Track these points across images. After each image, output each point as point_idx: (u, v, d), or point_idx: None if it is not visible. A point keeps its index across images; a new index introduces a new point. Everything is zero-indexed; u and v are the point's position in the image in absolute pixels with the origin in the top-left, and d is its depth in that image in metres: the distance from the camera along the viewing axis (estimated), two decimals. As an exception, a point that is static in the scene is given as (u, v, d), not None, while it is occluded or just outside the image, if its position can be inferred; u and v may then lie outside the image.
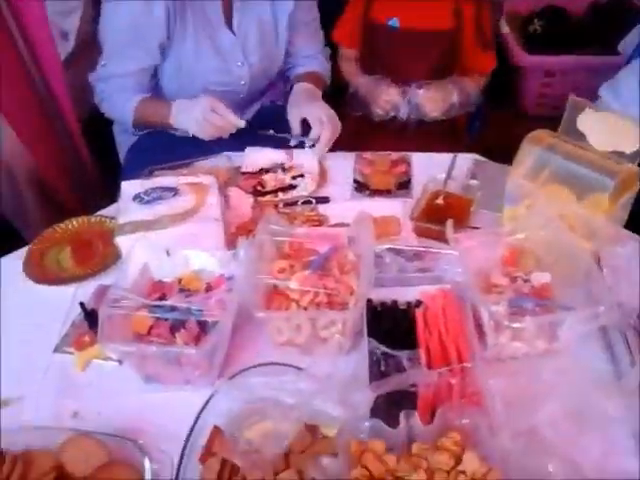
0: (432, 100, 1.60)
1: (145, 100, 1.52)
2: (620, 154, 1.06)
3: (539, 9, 2.50)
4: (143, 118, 1.53)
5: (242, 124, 1.42)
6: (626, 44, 2.17)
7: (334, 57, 1.80)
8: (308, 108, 1.47)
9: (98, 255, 1.23)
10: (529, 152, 1.10)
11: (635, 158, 1.05)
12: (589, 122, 1.10)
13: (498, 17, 2.54)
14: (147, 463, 0.81)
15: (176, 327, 0.97)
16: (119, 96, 1.52)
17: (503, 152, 1.23)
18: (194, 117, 1.41)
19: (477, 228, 1.18)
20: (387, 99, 1.62)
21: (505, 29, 2.43)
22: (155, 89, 1.58)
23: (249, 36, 1.56)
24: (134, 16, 1.41)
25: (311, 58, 1.71)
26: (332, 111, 1.49)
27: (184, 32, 1.47)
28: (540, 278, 1.04)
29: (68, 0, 1.65)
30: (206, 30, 1.50)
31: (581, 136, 1.10)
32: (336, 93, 1.76)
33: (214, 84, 1.55)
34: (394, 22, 1.66)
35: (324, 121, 1.43)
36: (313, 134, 1.44)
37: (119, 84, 1.50)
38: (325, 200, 1.34)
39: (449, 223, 1.07)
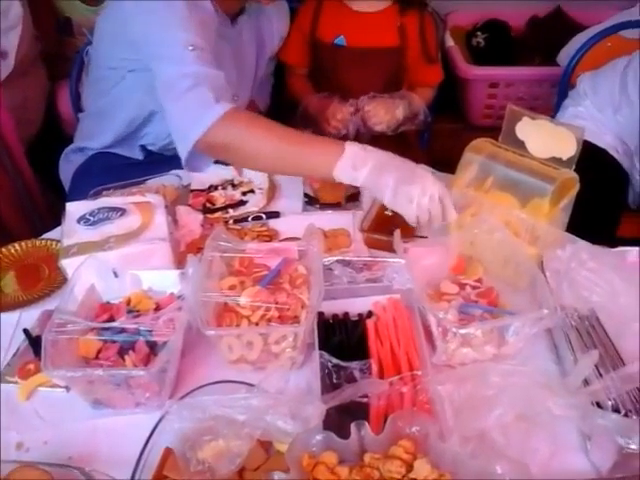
0: (376, 113, 1.61)
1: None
2: (558, 160, 1.10)
3: (482, 23, 2.58)
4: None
5: None
6: (563, 56, 2.26)
7: (282, 75, 1.81)
8: None
9: (43, 279, 1.20)
10: (470, 161, 1.13)
11: (571, 163, 1.09)
12: (527, 130, 1.13)
13: (443, 31, 2.61)
14: (95, 491, 0.79)
15: (125, 349, 0.95)
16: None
17: (452, 163, 1.26)
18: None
19: (425, 237, 1.20)
20: (339, 117, 1.62)
21: (450, 43, 2.49)
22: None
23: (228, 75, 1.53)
24: None
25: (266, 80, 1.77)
26: None
27: None
28: (487, 284, 1.07)
29: (6, 17, 1.60)
30: (219, 60, 1.41)
31: (521, 144, 1.14)
32: (287, 110, 1.77)
33: None
34: (340, 40, 1.69)
35: None
36: None
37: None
38: (275, 215, 1.34)
39: (397, 233, 1.08)
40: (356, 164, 1.11)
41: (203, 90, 1.17)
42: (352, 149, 1.13)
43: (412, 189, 1.08)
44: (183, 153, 1.21)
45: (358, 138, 1.65)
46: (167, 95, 1.21)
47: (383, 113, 1.62)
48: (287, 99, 1.82)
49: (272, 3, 1.54)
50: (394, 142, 1.74)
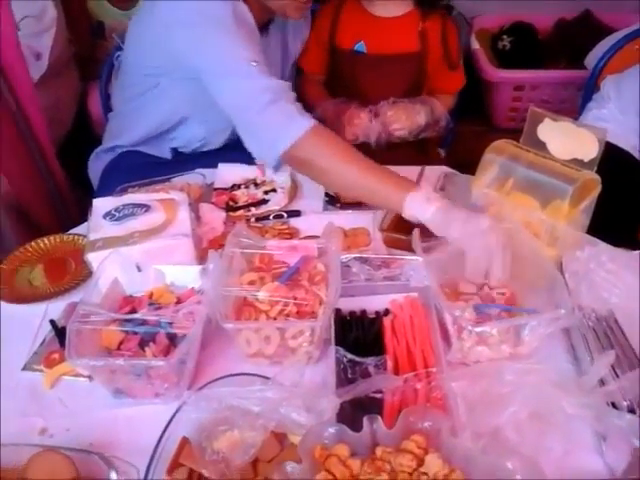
0: (398, 118, 1.58)
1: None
2: (579, 162, 1.10)
3: (508, 26, 2.57)
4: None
5: None
6: (591, 59, 2.23)
7: (299, 81, 1.79)
8: None
9: (70, 273, 1.24)
10: (491, 161, 1.13)
11: (593, 165, 1.08)
12: (549, 132, 1.13)
13: (468, 34, 2.61)
14: (113, 475, 0.81)
15: (146, 341, 0.98)
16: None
17: (474, 165, 1.26)
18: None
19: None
20: (357, 122, 1.57)
21: (475, 45, 2.49)
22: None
23: None
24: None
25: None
26: None
27: None
28: (506, 285, 1.07)
29: (41, 20, 1.66)
30: None
31: (542, 145, 1.13)
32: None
33: None
34: (360, 46, 1.66)
35: None
36: None
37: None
38: (296, 214, 1.36)
39: (415, 232, 1.09)
40: (429, 198, 1.10)
41: (284, 103, 1.23)
42: (425, 188, 1.14)
43: (481, 222, 1.05)
44: (272, 163, 1.27)
45: (377, 144, 1.63)
46: (249, 109, 1.24)
47: (405, 118, 1.59)
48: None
49: (302, 17, 1.52)
50: (414, 148, 1.75)
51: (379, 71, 1.67)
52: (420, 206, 1.10)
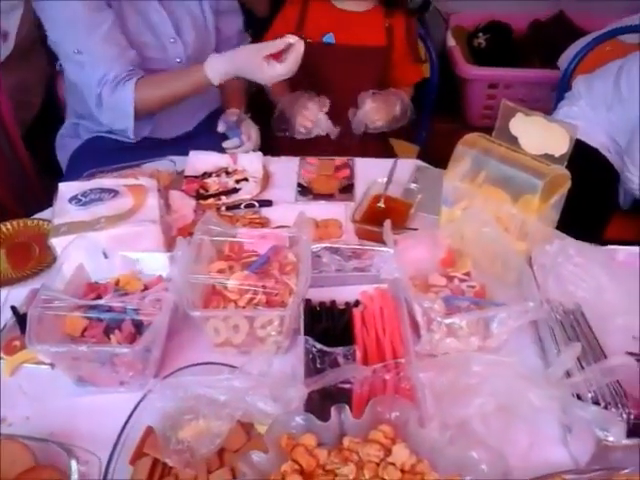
0: (378, 110, 1.59)
1: (147, 78, 1.44)
2: (550, 157, 1.11)
3: (484, 24, 2.59)
4: (153, 95, 1.44)
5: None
6: (563, 60, 2.27)
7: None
8: None
9: (34, 259, 1.21)
10: (464, 154, 1.13)
11: (563, 161, 1.09)
12: (521, 126, 1.13)
13: (444, 31, 2.62)
14: (74, 465, 0.79)
15: (111, 328, 0.96)
16: (122, 83, 1.42)
17: (448, 162, 1.26)
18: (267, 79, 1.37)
19: (415, 229, 1.20)
20: (306, 113, 1.56)
21: (451, 43, 2.50)
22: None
23: (177, 13, 1.53)
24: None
25: (233, 37, 1.71)
26: (255, 129, 1.54)
27: (119, 6, 1.44)
28: (475, 278, 1.08)
29: (7, -1, 1.61)
30: (136, 5, 1.47)
31: (514, 140, 1.14)
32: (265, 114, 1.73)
33: (150, 60, 1.51)
34: (329, 38, 1.67)
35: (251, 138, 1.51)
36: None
37: (107, 58, 1.40)
38: (268, 203, 1.34)
39: (387, 224, 1.08)
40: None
41: (115, 89, 1.44)
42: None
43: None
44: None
45: (352, 134, 1.64)
46: (89, 100, 1.49)
47: (384, 109, 1.61)
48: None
49: None
50: (380, 135, 1.74)
51: (347, 61, 1.68)
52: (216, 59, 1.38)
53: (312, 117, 1.55)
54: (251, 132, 1.52)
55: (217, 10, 1.62)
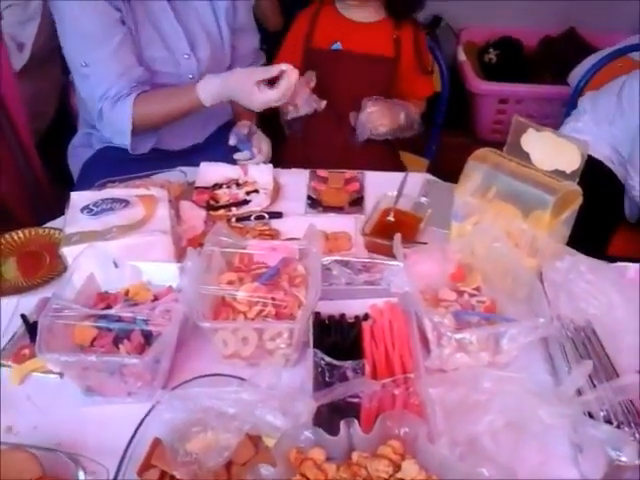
0: (382, 115, 1.61)
1: (146, 95, 1.46)
2: (561, 173, 1.10)
3: (495, 40, 2.60)
4: (151, 113, 1.46)
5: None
6: (574, 76, 2.27)
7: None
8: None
9: (44, 267, 1.21)
10: (475, 169, 1.13)
11: (575, 177, 1.09)
12: (532, 142, 1.13)
13: (455, 46, 2.63)
14: (81, 475, 0.79)
15: (120, 338, 0.96)
16: (122, 99, 1.45)
17: (458, 176, 1.26)
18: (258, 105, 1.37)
19: (425, 244, 1.20)
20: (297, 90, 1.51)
21: (462, 57, 2.51)
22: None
23: (193, 29, 1.55)
24: (89, 5, 1.38)
25: (248, 56, 1.73)
26: (266, 141, 1.54)
27: (133, 20, 1.45)
28: (485, 293, 1.07)
29: (25, 10, 1.63)
30: (150, 18, 1.48)
31: (525, 155, 1.14)
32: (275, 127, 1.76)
33: (162, 75, 1.53)
34: (337, 46, 1.70)
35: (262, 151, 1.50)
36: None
37: (110, 76, 1.42)
38: (278, 215, 1.34)
39: (397, 237, 1.08)
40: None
41: (115, 104, 1.47)
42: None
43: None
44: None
45: (353, 142, 1.67)
46: (92, 112, 1.51)
47: (388, 116, 1.62)
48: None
49: None
50: (381, 146, 1.76)
51: (354, 68, 1.70)
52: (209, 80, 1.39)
53: (300, 94, 1.55)
54: (262, 145, 1.53)
55: (234, 27, 1.64)
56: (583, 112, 1.72)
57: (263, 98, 1.35)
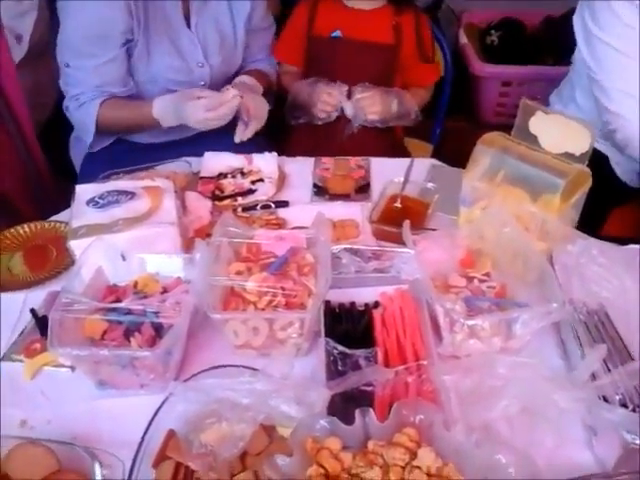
0: (373, 102, 1.60)
1: (112, 101, 1.49)
2: (570, 156, 1.09)
3: (496, 21, 2.57)
4: (113, 120, 1.50)
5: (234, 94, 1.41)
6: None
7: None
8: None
9: (51, 261, 1.21)
10: (483, 154, 1.12)
11: (584, 159, 1.08)
12: (540, 125, 1.12)
13: (457, 29, 2.61)
14: (97, 468, 0.79)
15: (131, 331, 0.95)
16: (88, 102, 1.49)
17: (463, 160, 1.25)
18: (194, 120, 1.41)
19: (434, 230, 1.19)
20: (326, 98, 1.61)
21: (463, 40, 2.49)
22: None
23: (208, 38, 1.56)
24: (97, 13, 1.39)
25: (260, 61, 1.74)
26: (262, 104, 1.53)
27: (146, 30, 1.46)
28: (495, 278, 1.06)
29: (21, 1, 1.61)
30: (166, 29, 1.49)
31: (533, 139, 1.13)
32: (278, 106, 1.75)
33: (174, 83, 1.53)
34: (337, 33, 1.69)
35: (250, 113, 1.48)
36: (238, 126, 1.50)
37: (87, 84, 1.47)
38: (284, 204, 1.34)
39: (406, 224, 1.07)
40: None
41: (82, 105, 1.52)
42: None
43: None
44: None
45: (347, 127, 1.65)
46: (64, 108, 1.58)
47: (379, 103, 1.61)
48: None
49: None
50: (386, 138, 1.76)
51: (354, 56, 1.69)
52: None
53: (334, 102, 1.61)
54: (250, 105, 1.50)
55: (249, 28, 1.64)
56: (552, 105, 1.71)
57: (199, 114, 1.40)
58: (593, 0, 1.42)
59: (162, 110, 1.45)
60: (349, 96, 1.62)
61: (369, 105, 1.61)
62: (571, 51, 2.33)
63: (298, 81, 1.71)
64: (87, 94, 1.48)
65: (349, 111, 1.60)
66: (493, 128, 1.17)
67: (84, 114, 1.49)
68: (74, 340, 0.93)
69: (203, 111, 1.39)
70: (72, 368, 0.98)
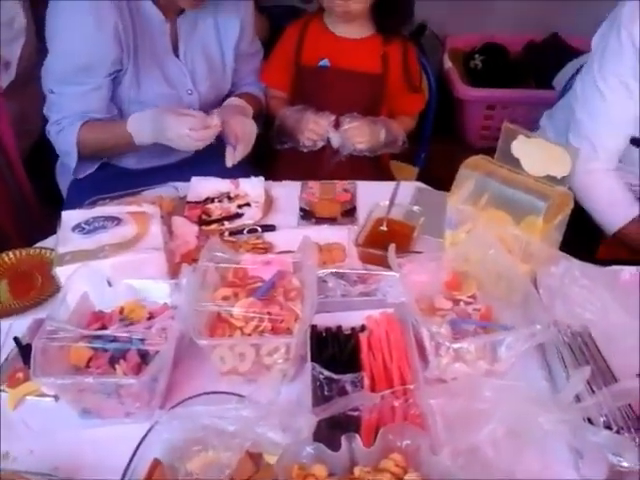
0: (361, 132, 1.60)
1: (91, 123, 1.49)
2: (552, 178, 1.11)
3: (480, 46, 2.62)
4: (93, 141, 1.50)
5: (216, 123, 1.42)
6: (559, 80, 2.29)
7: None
8: (229, 120, 1.49)
9: (36, 288, 1.20)
10: (466, 177, 1.14)
11: (565, 182, 1.10)
12: (522, 148, 1.14)
13: (441, 53, 2.66)
14: (80, 500, 0.78)
15: (116, 358, 0.95)
16: (67, 126, 1.49)
17: (448, 183, 1.26)
18: (175, 133, 1.40)
19: (420, 253, 1.20)
20: (312, 127, 1.60)
21: (448, 64, 2.53)
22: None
23: (196, 65, 1.57)
24: (86, 43, 1.40)
25: (250, 84, 1.76)
26: (250, 127, 1.54)
27: (135, 59, 1.47)
28: (481, 300, 1.07)
29: (11, 28, 1.62)
30: (154, 58, 1.50)
31: (516, 162, 1.14)
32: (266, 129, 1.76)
33: None
34: (325, 62, 1.70)
35: (238, 136, 1.49)
36: (227, 150, 1.50)
37: (70, 110, 1.48)
38: (271, 228, 1.34)
39: (391, 248, 1.08)
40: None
41: (62, 129, 1.52)
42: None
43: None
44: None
45: (335, 155, 1.65)
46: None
47: (368, 133, 1.61)
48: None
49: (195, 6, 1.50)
50: (372, 163, 1.76)
51: (341, 85, 1.70)
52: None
53: (321, 131, 1.60)
54: (237, 129, 1.50)
55: (237, 54, 1.66)
56: (543, 129, 1.73)
57: (182, 133, 1.39)
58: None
59: (137, 124, 1.44)
60: (337, 125, 1.62)
61: (357, 135, 1.60)
62: (551, 75, 2.40)
63: (286, 107, 1.71)
64: (68, 119, 1.48)
65: (335, 141, 1.60)
66: (478, 151, 1.19)
67: (65, 138, 1.49)
68: (58, 368, 0.92)
69: (187, 127, 1.38)
70: (56, 397, 0.97)
